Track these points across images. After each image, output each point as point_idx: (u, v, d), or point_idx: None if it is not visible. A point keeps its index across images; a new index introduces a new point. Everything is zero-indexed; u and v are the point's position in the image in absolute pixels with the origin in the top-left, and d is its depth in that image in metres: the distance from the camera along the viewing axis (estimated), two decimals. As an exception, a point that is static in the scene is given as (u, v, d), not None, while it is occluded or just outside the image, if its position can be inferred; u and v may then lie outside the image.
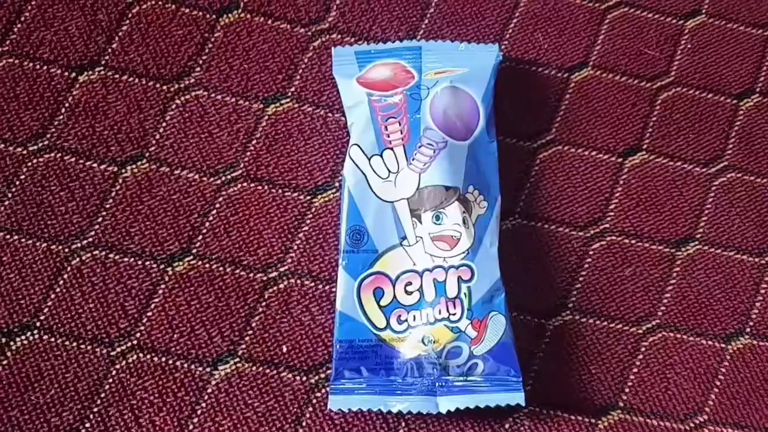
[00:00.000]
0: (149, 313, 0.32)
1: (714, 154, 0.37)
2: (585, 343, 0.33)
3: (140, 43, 0.35)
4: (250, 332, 0.32)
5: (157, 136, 0.34)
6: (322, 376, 0.32)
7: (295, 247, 0.33)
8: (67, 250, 0.32)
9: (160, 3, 0.35)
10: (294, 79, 0.35)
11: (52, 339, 0.31)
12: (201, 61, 0.35)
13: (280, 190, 0.34)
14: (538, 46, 0.37)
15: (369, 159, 0.32)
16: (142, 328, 0.32)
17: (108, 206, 0.33)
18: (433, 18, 0.37)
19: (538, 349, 0.33)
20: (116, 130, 0.34)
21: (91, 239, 0.32)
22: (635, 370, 0.33)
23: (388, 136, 0.32)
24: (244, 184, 0.34)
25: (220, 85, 0.35)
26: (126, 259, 0.32)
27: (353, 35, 0.36)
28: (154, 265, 0.33)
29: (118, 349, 0.31)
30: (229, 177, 0.34)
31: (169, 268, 0.33)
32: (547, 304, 0.34)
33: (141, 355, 0.32)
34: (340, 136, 0.35)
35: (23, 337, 0.31)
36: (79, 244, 0.32)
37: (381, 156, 0.32)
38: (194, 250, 0.33)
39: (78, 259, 0.32)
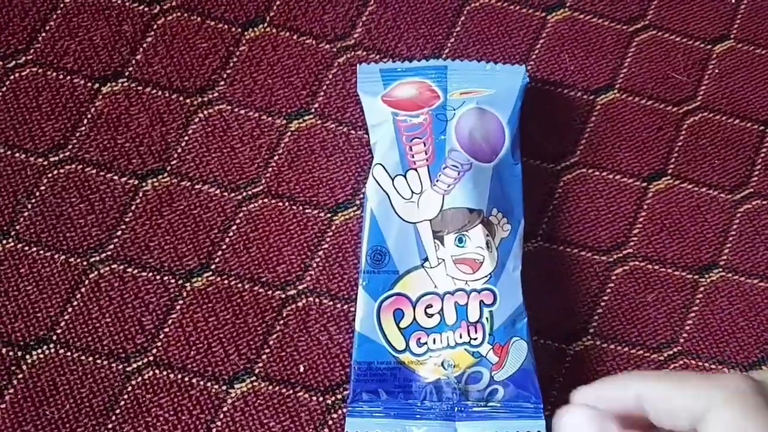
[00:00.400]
0: (166, 329, 0.32)
1: (739, 180, 0.36)
2: (605, 369, 0.33)
3: (164, 55, 0.35)
4: (267, 351, 0.32)
5: (179, 150, 0.34)
6: (339, 397, 0.31)
7: (315, 265, 0.33)
8: (85, 263, 0.32)
9: (185, 15, 0.35)
10: (318, 96, 0.35)
11: (68, 353, 0.31)
12: (225, 75, 0.35)
13: (300, 207, 0.34)
14: (564, 68, 0.36)
15: (392, 179, 0.32)
16: (159, 344, 0.31)
17: (128, 219, 0.33)
18: (459, 37, 0.37)
19: (559, 374, 0.32)
20: (138, 143, 0.34)
21: (109, 253, 0.32)
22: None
23: (413, 157, 0.32)
24: (265, 200, 0.33)
25: (243, 99, 0.34)
26: (144, 274, 0.32)
27: (378, 52, 0.36)
28: (173, 281, 0.32)
29: (134, 365, 0.31)
30: (250, 193, 0.33)
31: (187, 284, 0.32)
32: (568, 328, 0.33)
33: (157, 371, 0.31)
34: (362, 154, 0.35)
35: (39, 351, 0.31)
36: (97, 258, 0.32)
37: (405, 176, 0.32)
38: (213, 266, 0.32)
39: (96, 272, 0.32)
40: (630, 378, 0.26)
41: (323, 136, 0.35)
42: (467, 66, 0.34)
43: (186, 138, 0.34)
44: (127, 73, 0.34)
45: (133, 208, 0.33)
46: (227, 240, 0.33)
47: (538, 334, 0.33)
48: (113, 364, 0.31)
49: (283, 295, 0.32)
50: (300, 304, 0.32)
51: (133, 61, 0.34)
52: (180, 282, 0.32)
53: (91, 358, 0.31)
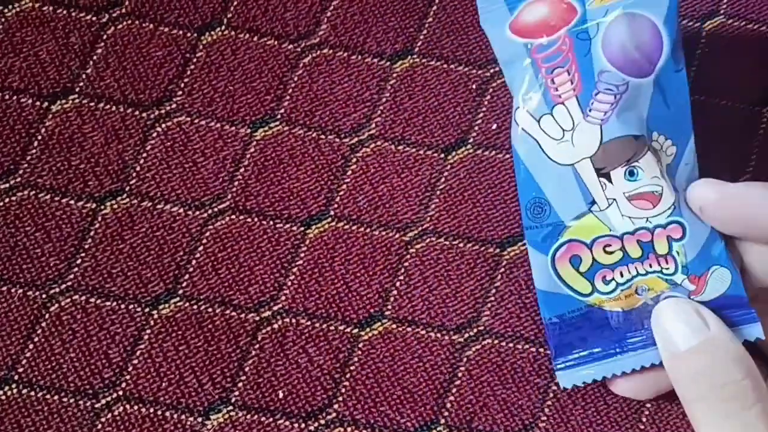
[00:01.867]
0: (135, 361, 0.29)
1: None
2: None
3: (117, 67, 0.32)
4: (244, 377, 0.30)
5: (138, 168, 0.31)
6: (322, 422, 0.29)
7: (289, 284, 0.31)
8: (44, 295, 0.30)
9: (136, 22, 0.32)
10: (283, 100, 0.33)
11: (32, 393, 0.29)
12: (183, 84, 0.32)
13: (271, 222, 0.31)
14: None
15: (538, 121, 0.28)
16: (128, 377, 0.29)
17: (87, 246, 0.30)
18: (432, 28, 0.34)
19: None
20: (94, 163, 0.31)
21: (70, 283, 0.30)
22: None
23: (557, 90, 0.27)
24: (233, 216, 0.31)
25: (203, 109, 0.32)
26: (108, 303, 0.30)
27: (346, 49, 0.33)
28: (139, 309, 0.30)
29: (103, 401, 0.29)
30: (216, 209, 0.31)
31: (154, 311, 0.30)
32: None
33: (127, 406, 0.29)
34: (335, 160, 0.32)
35: (0, 393, 0.29)
36: (57, 289, 0.30)
37: (551, 114, 0.27)
38: (181, 291, 0.30)
39: (57, 305, 0.30)
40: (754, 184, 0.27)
41: (291, 144, 0.32)
42: None
43: (144, 155, 0.31)
44: (77, 89, 0.32)
45: (92, 233, 0.31)
46: (194, 262, 0.31)
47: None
48: (80, 402, 0.29)
49: (257, 318, 0.30)
50: (276, 325, 0.30)
51: (84, 76, 0.32)
52: (146, 310, 0.30)
53: (56, 397, 0.29)
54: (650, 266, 0.28)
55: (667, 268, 0.28)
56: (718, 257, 0.28)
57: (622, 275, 0.28)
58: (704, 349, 0.26)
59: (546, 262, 0.28)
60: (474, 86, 0.34)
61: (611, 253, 0.28)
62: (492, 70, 0.34)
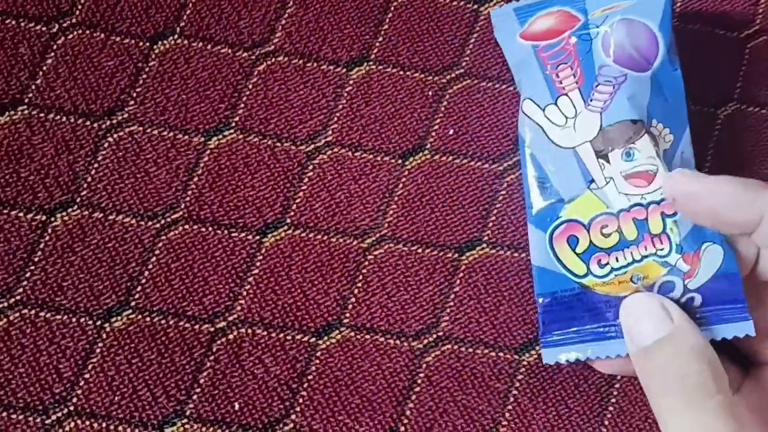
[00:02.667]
0: (86, 375, 0.29)
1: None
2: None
3: (67, 77, 0.31)
4: (198, 390, 0.29)
5: (89, 179, 0.31)
6: (280, 433, 0.29)
7: (245, 293, 0.30)
8: (-8, 310, 0.29)
9: (87, 32, 0.32)
10: (238, 108, 0.32)
11: (-21, 410, 0.28)
12: (135, 94, 0.32)
13: (226, 231, 0.31)
14: (502, 62, 0.34)
15: (543, 109, 0.30)
16: (80, 391, 0.29)
17: (37, 259, 0.30)
18: (387, 35, 0.34)
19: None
20: (44, 175, 0.31)
21: (19, 297, 0.29)
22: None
23: (561, 83, 0.30)
24: (186, 226, 0.31)
25: (156, 118, 0.31)
26: (59, 317, 0.29)
27: (301, 57, 0.33)
28: (90, 322, 0.29)
29: (54, 417, 0.28)
30: (168, 219, 0.31)
31: (106, 324, 0.29)
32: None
33: (79, 421, 0.28)
34: (291, 168, 0.32)
35: (-54, 410, 0.28)
36: (5, 303, 0.29)
37: (555, 104, 0.30)
38: (133, 303, 0.30)
39: (5, 319, 0.29)
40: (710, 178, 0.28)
41: (246, 152, 0.32)
42: None
43: (96, 165, 0.31)
44: (27, 100, 0.31)
45: (42, 246, 0.30)
46: (147, 273, 0.30)
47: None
48: (30, 418, 0.28)
49: (212, 329, 0.30)
50: (231, 336, 0.30)
51: (33, 87, 0.31)
52: (98, 323, 0.29)
53: (5, 414, 0.28)
54: (645, 249, 0.29)
55: (661, 249, 0.29)
56: (711, 234, 0.28)
57: (617, 260, 0.29)
58: (668, 343, 0.26)
59: (544, 239, 0.29)
60: (430, 92, 0.33)
61: (608, 235, 0.29)
62: (448, 77, 0.34)
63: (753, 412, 0.27)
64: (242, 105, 0.32)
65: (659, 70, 0.30)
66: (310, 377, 0.30)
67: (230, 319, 0.30)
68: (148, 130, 0.31)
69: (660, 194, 0.29)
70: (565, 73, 0.30)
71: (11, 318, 0.29)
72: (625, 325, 0.28)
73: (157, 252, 0.30)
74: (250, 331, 0.30)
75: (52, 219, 0.30)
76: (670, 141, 0.30)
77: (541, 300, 0.29)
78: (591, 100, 0.30)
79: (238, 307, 0.30)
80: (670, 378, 0.26)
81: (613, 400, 0.31)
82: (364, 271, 0.31)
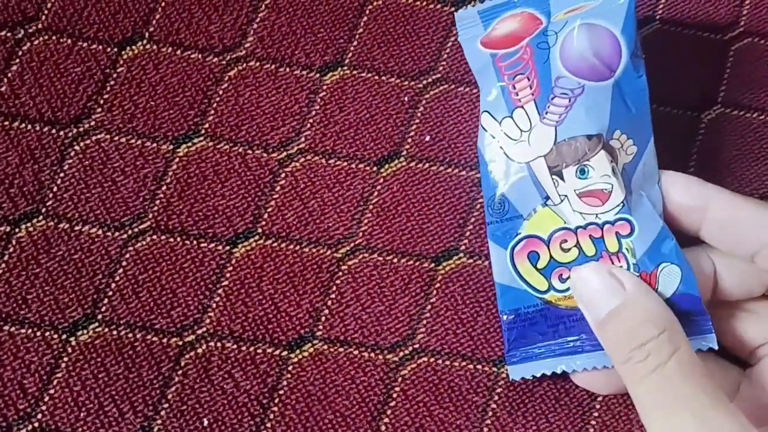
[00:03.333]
0: (51, 391, 0.28)
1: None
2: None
3: (33, 84, 0.31)
4: (166, 405, 0.28)
5: (55, 189, 0.30)
6: (250, 449, 0.29)
7: (214, 305, 0.30)
8: (-47, 324, 0.29)
9: (53, 38, 0.31)
10: (208, 115, 0.32)
11: (-61, 428, 0.28)
12: (102, 101, 0.31)
13: (194, 241, 0.30)
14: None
15: (500, 122, 0.29)
16: (44, 407, 0.28)
17: (0, 271, 0.29)
18: (362, 39, 0.33)
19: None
20: (8, 185, 0.30)
21: (-19, 310, 0.29)
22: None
23: (517, 94, 0.29)
24: (154, 236, 0.30)
25: (124, 126, 0.31)
26: (23, 331, 0.28)
27: (274, 62, 0.32)
28: (55, 336, 0.29)
29: (17, 434, 0.28)
30: (136, 230, 0.30)
31: (72, 338, 0.29)
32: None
33: (43, 439, 0.28)
34: (262, 176, 0.31)
35: None
36: (-33, 317, 0.29)
37: (511, 117, 0.29)
38: (100, 316, 0.29)
39: (-33, 334, 0.29)
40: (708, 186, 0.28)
41: (216, 159, 0.31)
42: None
43: (62, 175, 0.30)
44: (-9, 107, 0.31)
45: (6, 258, 0.29)
46: (113, 285, 0.29)
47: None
48: (-7, 436, 0.28)
49: (180, 342, 0.29)
50: (200, 350, 0.29)
51: (-2, 93, 0.31)
52: (64, 337, 0.29)
53: (-33, 431, 0.28)
54: (606, 263, 0.28)
55: (620, 266, 0.28)
56: (668, 254, 0.28)
57: None
58: (622, 312, 0.26)
59: (505, 256, 0.29)
60: (406, 98, 0.33)
61: (568, 250, 0.29)
62: (424, 82, 0.33)
63: (753, 412, 0.27)
64: (212, 111, 0.32)
65: (622, 77, 0.29)
66: (281, 392, 0.29)
67: (199, 332, 0.29)
68: (116, 138, 0.31)
69: (614, 214, 0.28)
70: (522, 84, 0.29)
71: (-27, 332, 0.29)
72: (578, 299, 0.28)
73: (124, 263, 0.30)
74: (219, 344, 0.29)
75: (17, 230, 0.30)
76: (633, 153, 0.29)
77: (505, 317, 0.29)
78: (546, 113, 0.29)
79: (207, 320, 0.29)
80: (629, 348, 0.25)
81: (596, 414, 0.31)
82: (338, 281, 0.30)
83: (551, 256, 0.28)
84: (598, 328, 0.27)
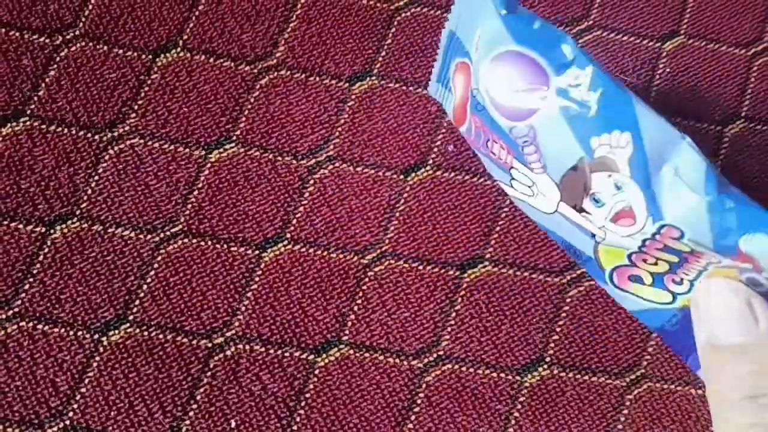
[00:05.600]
0: (83, 389, 0.30)
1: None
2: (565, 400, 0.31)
3: (69, 89, 0.33)
4: (195, 406, 0.30)
5: (89, 192, 0.32)
6: (276, 451, 0.30)
7: (243, 309, 0.31)
8: (-11, 322, 0.30)
9: (90, 45, 0.33)
10: (239, 122, 0.33)
11: (-26, 423, 0.29)
12: (136, 107, 0.33)
13: (225, 246, 0.32)
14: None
15: (512, 186, 0.29)
16: (76, 406, 0.29)
17: (35, 271, 0.30)
18: (390, 50, 0.35)
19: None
20: (44, 187, 0.32)
21: (17, 309, 0.30)
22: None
23: (501, 159, 0.28)
24: (185, 240, 0.31)
25: (157, 131, 0.32)
26: (56, 330, 0.30)
27: (304, 71, 0.34)
28: (88, 335, 0.30)
29: (49, 431, 0.29)
30: (168, 233, 0.31)
31: (104, 338, 0.30)
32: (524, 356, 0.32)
33: (74, 436, 0.29)
34: (291, 182, 0.33)
35: (-58, 423, 0.29)
36: (3, 315, 0.30)
37: (513, 180, 0.28)
38: (131, 317, 0.30)
39: (2, 332, 0.30)
40: None
41: (247, 166, 0.33)
42: (455, 15, 0.28)
43: (96, 178, 0.32)
44: (29, 111, 0.32)
45: (41, 258, 0.31)
46: (145, 287, 0.31)
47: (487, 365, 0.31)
48: (25, 432, 0.29)
49: (210, 344, 0.31)
50: (228, 352, 0.31)
51: (36, 98, 0.32)
52: (96, 336, 0.30)
53: (0, 427, 0.29)
54: (698, 261, 0.26)
55: (712, 259, 0.25)
56: (734, 228, 0.24)
57: (687, 273, 0.26)
58: (749, 353, 0.24)
59: (614, 291, 0.28)
60: (433, 108, 0.34)
61: (656, 262, 0.26)
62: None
63: None
64: (244, 119, 0.33)
65: (559, 83, 0.25)
66: (307, 395, 0.30)
67: (228, 334, 0.31)
68: (149, 143, 0.32)
69: (652, 224, 0.25)
70: (496, 149, 0.28)
71: (9, 330, 0.30)
72: (699, 310, 0.26)
73: (155, 266, 0.31)
74: (248, 347, 0.31)
75: (52, 231, 0.31)
76: (628, 141, 0.25)
77: (659, 334, 0.28)
78: (530, 165, 0.27)
79: (236, 323, 0.31)
80: (742, 394, 0.23)
81: (620, 427, 0.32)
82: (364, 287, 0.32)
83: (650, 272, 0.27)
84: (707, 349, 0.25)
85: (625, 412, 0.32)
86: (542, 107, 0.26)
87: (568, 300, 0.33)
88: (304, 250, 0.32)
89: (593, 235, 0.27)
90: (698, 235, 0.24)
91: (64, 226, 0.31)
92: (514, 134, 0.27)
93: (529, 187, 0.28)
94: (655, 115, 0.25)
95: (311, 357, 0.31)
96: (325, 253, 0.32)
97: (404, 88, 0.34)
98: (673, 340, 0.28)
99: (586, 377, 0.32)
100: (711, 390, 0.25)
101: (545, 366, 0.32)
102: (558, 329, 0.32)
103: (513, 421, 0.31)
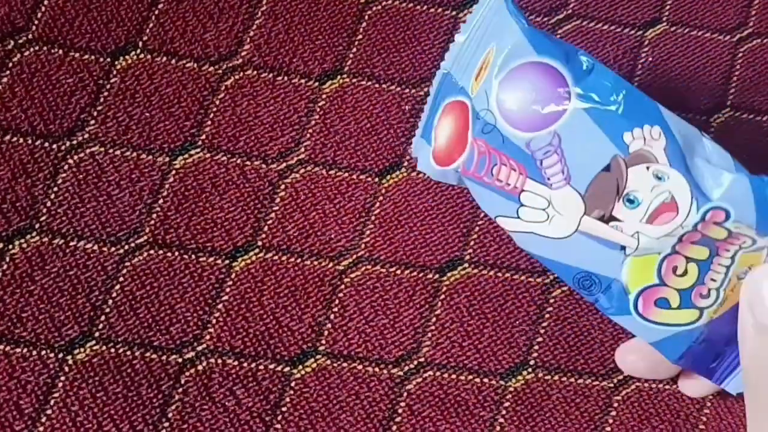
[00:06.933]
0: (48, 411, 0.29)
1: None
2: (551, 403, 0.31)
3: (24, 96, 0.32)
4: (167, 424, 0.29)
5: (49, 204, 0.31)
6: (253, 468, 0.30)
7: (214, 321, 0.31)
8: (-53, 344, 0.30)
9: (44, 49, 0.32)
10: (204, 126, 0.33)
11: (-66, 451, 0.29)
12: (96, 113, 0.32)
13: (193, 256, 0.31)
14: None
15: (518, 218, 0.27)
16: (42, 428, 0.29)
17: (-6, 289, 0.30)
18: (362, 45, 0.34)
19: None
20: (0, 200, 0.31)
21: (-25, 329, 0.30)
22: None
23: (509, 185, 0.27)
24: (151, 251, 0.31)
25: (118, 138, 0.32)
26: (18, 350, 0.29)
27: (271, 70, 0.33)
28: (52, 355, 0.30)
29: (14, 456, 0.29)
30: (133, 245, 0.31)
31: (69, 357, 0.29)
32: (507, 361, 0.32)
33: (40, 460, 0.29)
34: (261, 187, 0.32)
35: None
36: (-39, 337, 0.30)
37: (522, 206, 0.27)
38: (97, 334, 0.30)
39: (-39, 354, 0.30)
40: None
41: (214, 171, 0.32)
42: (454, 54, 0.29)
43: (55, 189, 0.31)
44: (-18, 121, 0.32)
45: (-1, 275, 0.31)
46: (111, 302, 0.30)
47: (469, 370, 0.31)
48: (-11, 458, 0.29)
49: (180, 360, 0.30)
50: (200, 367, 0.30)
51: (-11, 106, 0.32)
52: (60, 355, 0.30)
53: (-38, 454, 0.29)
54: (727, 251, 0.27)
55: (744, 242, 0.26)
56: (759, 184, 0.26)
57: (713, 280, 0.27)
58: None
59: (636, 320, 0.27)
60: (407, 107, 0.34)
61: (684, 273, 0.27)
62: (425, 89, 0.34)
63: None
64: (209, 122, 0.33)
65: (581, 91, 0.26)
66: (284, 409, 0.30)
67: (199, 349, 0.30)
68: (110, 151, 0.32)
69: (696, 213, 0.26)
70: (503, 173, 0.27)
71: (-33, 352, 0.29)
72: (748, 296, 0.26)
73: (121, 279, 0.30)
74: (220, 361, 0.30)
75: (10, 246, 0.30)
76: (659, 134, 0.26)
77: (682, 363, 0.28)
78: (549, 180, 0.27)
79: (208, 336, 0.30)
80: None
81: (608, 429, 0.32)
82: (341, 295, 0.31)
83: (676, 289, 0.27)
84: (753, 331, 0.25)
85: (613, 413, 0.32)
86: (567, 111, 0.26)
87: (552, 300, 0.32)
88: (276, 257, 0.32)
89: (623, 248, 0.27)
90: (743, 215, 0.25)
91: (23, 240, 0.30)
92: (533, 147, 0.27)
93: (543, 210, 0.27)
94: (671, 113, 0.26)
95: (287, 369, 0.31)
96: (298, 260, 0.32)
97: (377, 85, 0.34)
98: (701, 360, 0.28)
99: (572, 380, 0.32)
100: (746, 370, 0.25)
101: (530, 369, 0.32)
102: (542, 331, 0.32)
103: (498, 428, 0.31)
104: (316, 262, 0.32)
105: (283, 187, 0.32)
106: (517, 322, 0.32)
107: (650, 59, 0.35)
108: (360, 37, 0.34)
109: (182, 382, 0.30)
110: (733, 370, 0.28)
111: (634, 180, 0.26)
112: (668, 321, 0.27)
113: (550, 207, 0.27)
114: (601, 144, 0.26)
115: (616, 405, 0.32)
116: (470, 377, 0.31)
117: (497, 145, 0.27)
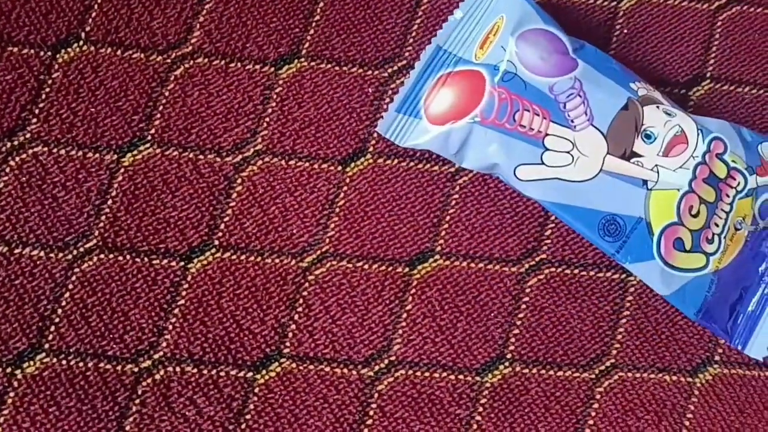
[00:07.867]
0: (-2, 429, 0.28)
1: None
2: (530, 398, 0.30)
3: (-41, 95, 0.31)
4: (124, 438, 0.29)
5: (-10, 209, 0.30)
6: (217, 480, 0.29)
7: (171, 327, 0.30)
8: None
9: (-20, 43, 0.31)
10: (154, 119, 0.31)
11: None
12: (38, 111, 0.31)
13: (146, 259, 0.30)
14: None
15: (543, 163, 0.29)
16: (-9, 447, 0.28)
17: (-66, 303, 0.29)
18: (320, 27, 0.33)
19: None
20: (-62, 207, 0.30)
21: None
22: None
23: (532, 129, 0.29)
24: (101, 255, 0.30)
25: (63, 137, 0.31)
26: (-37, 366, 0.29)
27: (224, 57, 0.32)
28: (0, 369, 0.29)
29: (-37, 478, 0.28)
30: (81, 249, 0.30)
31: (17, 371, 0.28)
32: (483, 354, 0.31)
33: (-8, 481, 0.28)
34: (216, 182, 0.31)
35: None
36: None
37: (546, 150, 0.29)
38: (47, 346, 0.29)
39: None
40: None
41: (165, 167, 0.31)
42: (451, 29, 0.30)
43: (-3, 193, 0.30)
44: None
45: (-60, 287, 0.29)
46: (60, 311, 0.29)
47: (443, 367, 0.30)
48: (-63, 481, 0.28)
49: (136, 369, 0.29)
50: (158, 376, 0.29)
51: None
52: (9, 370, 0.28)
53: None
54: (728, 196, 0.30)
55: (738, 184, 0.30)
56: (755, 134, 0.31)
57: (717, 225, 0.30)
58: None
59: (657, 265, 0.29)
60: (371, 89, 0.33)
61: (697, 214, 0.30)
62: (390, 70, 0.33)
63: None
64: (158, 115, 0.31)
65: (581, 60, 0.30)
66: (248, 416, 0.29)
67: (156, 357, 0.29)
68: (54, 150, 0.30)
69: (703, 143, 0.30)
70: (526, 118, 0.30)
71: None
72: None
73: (70, 287, 0.29)
74: (178, 369, 0.29)
75: (-49, 256, 0.30)
76: (649, 89, 0.31)
77: (698, 317, 0.30)
78: (572, 122, 0.29)
79: (164, 343, 0.29)
80: None
81: (591, 422, 0.31)
82: (305, 293, 0.30)
83: (690, 230, 0.29)
84: None
85: (596, 406, 0.31)
86: (579, 64, 0.30)
87: (528, 290, 0.31)
88: (234, 257, 0.30)
89: (644, 183, 0.29)
90: (735, 147, 0.30)
91: (-36, 249, 0.30)
92: (556, 90, 0.30)
93: (567, 152, 0.29)
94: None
95: (249, 374, 0.30)
96: (258, 258, 0.31)
97: (337, 68, 0.33)
98: (719, 316, 0.30)
99: (552, 372, 0.31)
100: None
101: (507, 363, 0.31)
102: (519, 323, 0.31)
103: (475, 426, 0.30)
104: (277, 260, 0.31)
105: (239, 181, 0.31)
106: (492, 314, 0.31)
107: (625, 31, 0.34)
108: (318, 17, 0.33)
109: (139, 392, 0.29)
110: (751, 330, 0.30)
111: (649, 116, 0.30)
112: (683, 265, 0.30)
113: (575, 149, 0.29)
114: (615, 89, 0.30)
115: (598, 397, 0.31)
116: (444, 374, 0.30)
117: (519, 91, 0.30)
